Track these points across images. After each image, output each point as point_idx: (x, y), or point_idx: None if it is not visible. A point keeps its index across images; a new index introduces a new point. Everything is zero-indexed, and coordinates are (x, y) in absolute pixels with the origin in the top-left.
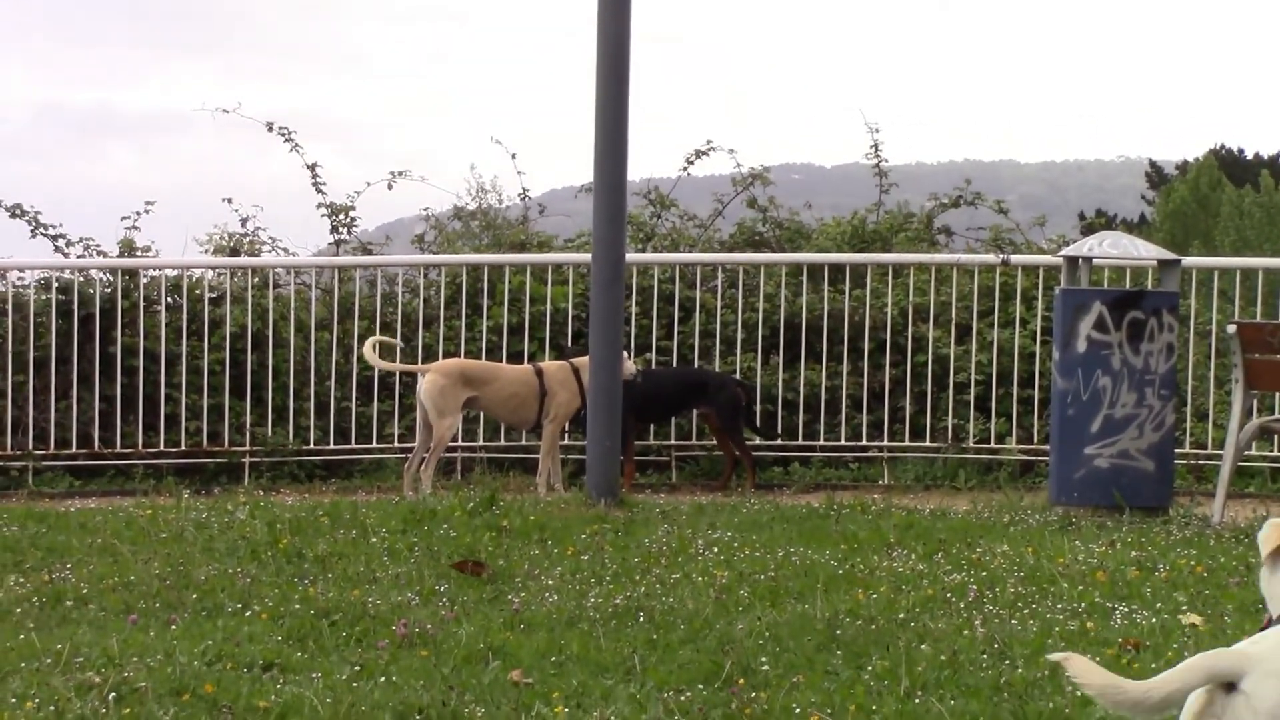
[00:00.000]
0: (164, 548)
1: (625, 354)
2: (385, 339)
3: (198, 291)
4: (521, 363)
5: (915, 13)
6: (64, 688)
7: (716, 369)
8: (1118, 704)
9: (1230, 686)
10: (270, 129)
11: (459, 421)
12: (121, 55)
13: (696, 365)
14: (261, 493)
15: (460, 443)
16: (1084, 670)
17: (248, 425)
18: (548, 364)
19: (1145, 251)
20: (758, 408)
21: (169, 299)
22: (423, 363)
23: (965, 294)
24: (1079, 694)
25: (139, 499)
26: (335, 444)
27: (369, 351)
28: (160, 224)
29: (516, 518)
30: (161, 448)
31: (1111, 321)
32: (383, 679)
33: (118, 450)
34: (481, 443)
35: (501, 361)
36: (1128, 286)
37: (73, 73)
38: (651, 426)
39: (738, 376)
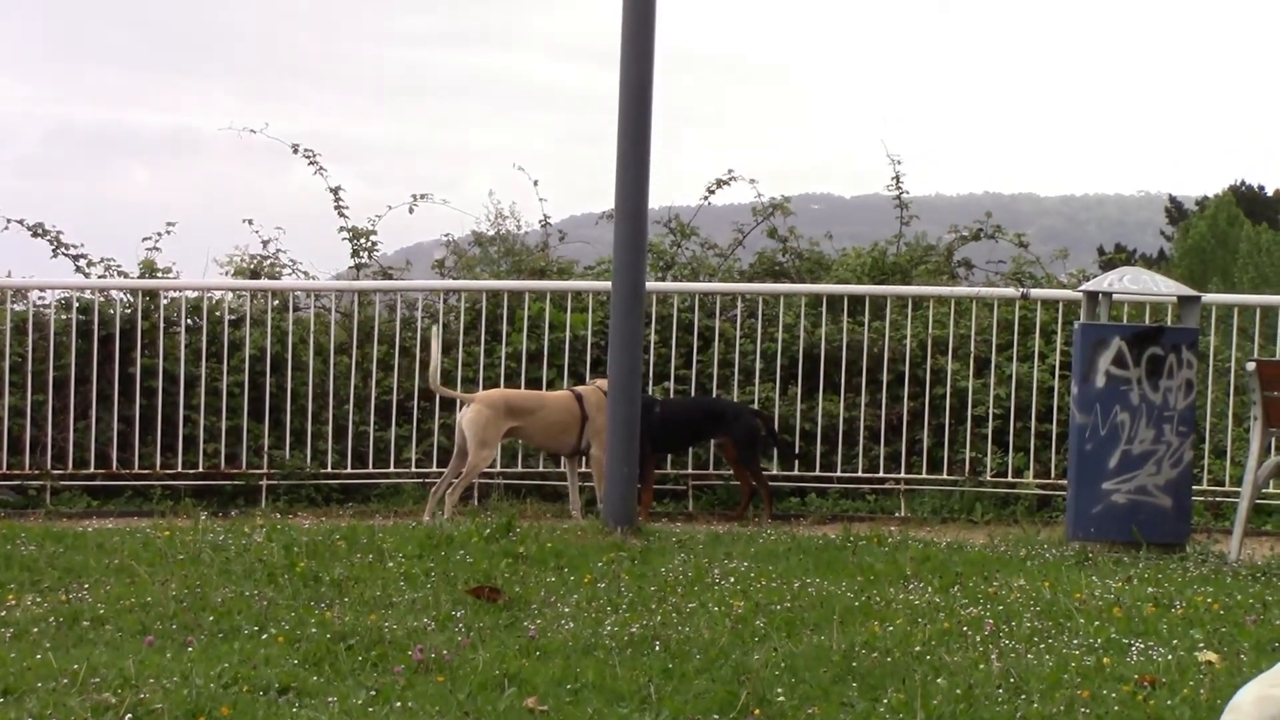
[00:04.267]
0: (181, 569)
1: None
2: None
3: (218, 313)
4: (540, 389)
5: (935, 46)
6: (80, 708)
7: (735, 399)
8: None
9: None
10: (295, 151)
11: (496, 453)
12: (130, 75)
13: (714, 395)
14: (278, 515)
15: None
16: None
17: (265, 448)
18: (584, 389)
19: (1165, 287)
20: (782, 436)
21: (189, 320)
22: (442, 384)
23: (984, 327)
24: None
25: (156, 520)
26: (353, 468)
27: (435, 362)
28: (181, 245)
29: (533, 544)
30: (179, 469)
31: (1130, 357)
32: (398, 704)
33: (135, 471)
34: (499, 469)
35: (531, 387)
36: (1147, 322)
37: (84, 92)
38: (669, 456)
39: (755, 406)
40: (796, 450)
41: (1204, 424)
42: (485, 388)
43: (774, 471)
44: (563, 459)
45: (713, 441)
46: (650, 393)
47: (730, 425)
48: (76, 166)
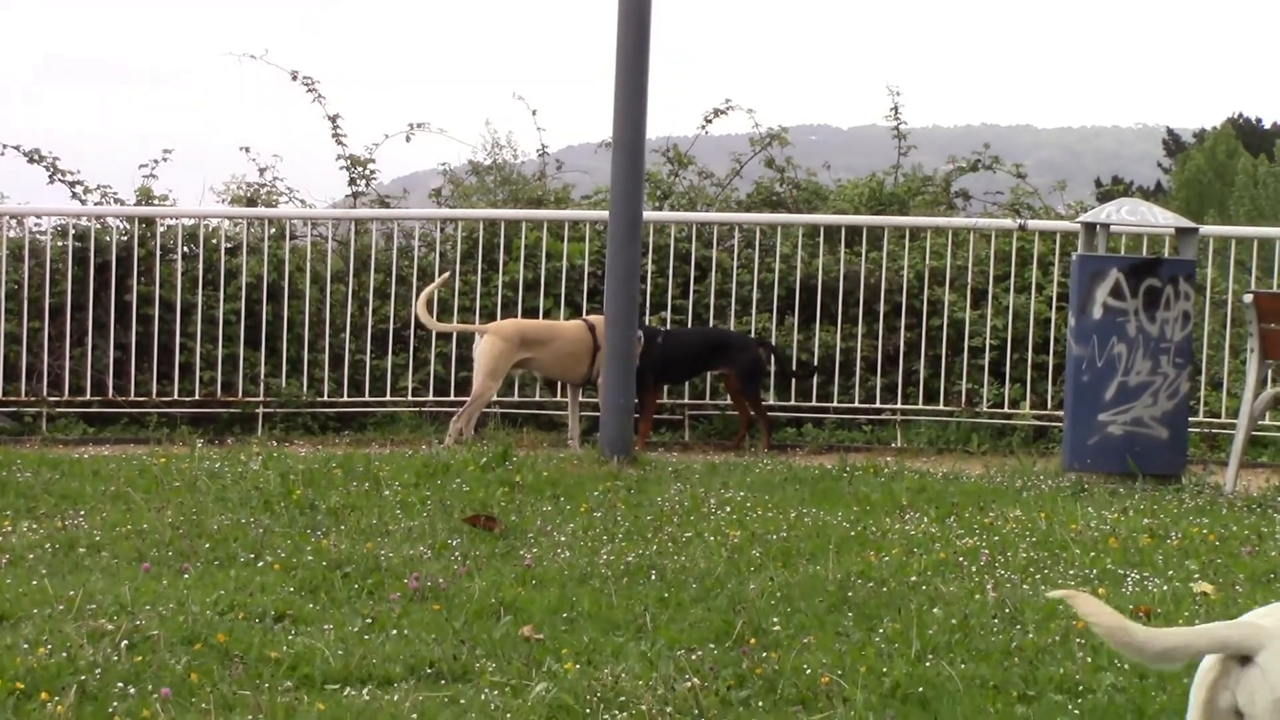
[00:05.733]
0: (177, 496)
1: None
2: (436, 285)
3: (214, 241)
4: (536, 318)
5: None
6: (76, 634)
7: (732, 329)
8: (1123, 645)
9: (1245, 659)
10: (294, 78)
11: (500, 383)
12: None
13: (712, 325)
14: (275, 443)
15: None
16: (1092, 609)
17: (262, 376)
18: (596, 318)
19: (1163, 219)
20: (792, 360)
21: (185, 248)
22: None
23: (982, 258)
24: (1090, 659)
25: (152, 447)
26: (349, 396)
27: (423, 308)
28: (178, 172)
29: (529, 473)
30: (175, 397)
31: (1128, 289)
32: (394, 632)
33: (132, 398)
34: (495, 397)
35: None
36: (1145, 254)
37: (79, 19)
38: (665, 386)
39: (754, 336)
40: (795, 369)
41: (1201, 356)
42: (482, 317)
43: (771, 401)
44: (567, 387)
45: (714, 372)
46: (648, 323)
47: (734, 356)
48: (71, 92)
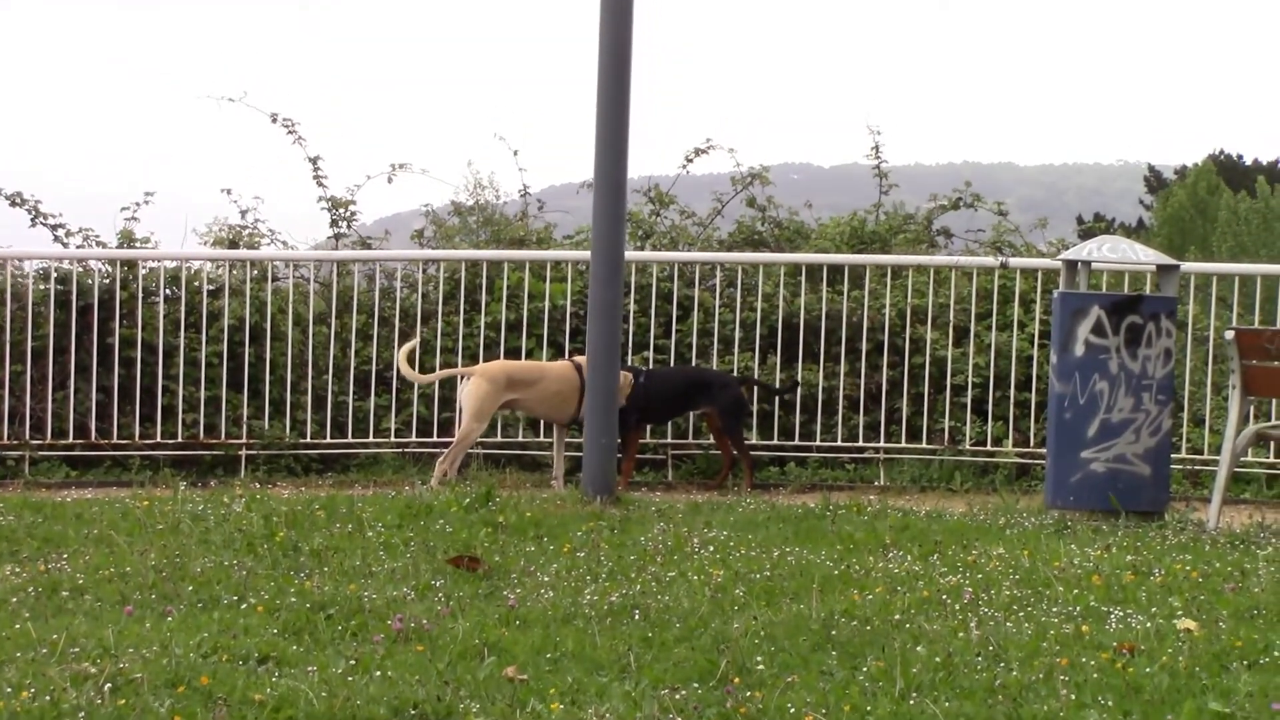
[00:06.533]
0: (160, 539)
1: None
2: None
3: (196, 283)
4: (518, 358)
5: (915, 14)
6: (59, 678)
7: (714, 368)
8: None
9: None
10: (274, 120)
11: (486, 425)
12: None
13: (694, 364)
14: (258, 485)
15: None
16: None
17: (244, 418)
18: (584, 359)
19: (1144, 256)
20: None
21: (168, 290)
22: (420, 371)
23: (964, 296)
24: (1074, 697)
25: (135, 490)
26: (332, 437)
27: (404, 364)
28: (160, 215)
29: (513, 514)
30: (158, 439)
31: (1109, 326)
32: (378, 673)
33: (115, 441)
34: (478, 439)
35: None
36: (1126, 291)
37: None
38: (648, 426)
39: (737, 374)
40: (777, 387)
41: (1183, 392)
42: (464, 358)
43: (754, 440)
44: (553, 427)
45: (698, 411)
46: (631, 363)
47: (716, 395)
48: (52, 134)
